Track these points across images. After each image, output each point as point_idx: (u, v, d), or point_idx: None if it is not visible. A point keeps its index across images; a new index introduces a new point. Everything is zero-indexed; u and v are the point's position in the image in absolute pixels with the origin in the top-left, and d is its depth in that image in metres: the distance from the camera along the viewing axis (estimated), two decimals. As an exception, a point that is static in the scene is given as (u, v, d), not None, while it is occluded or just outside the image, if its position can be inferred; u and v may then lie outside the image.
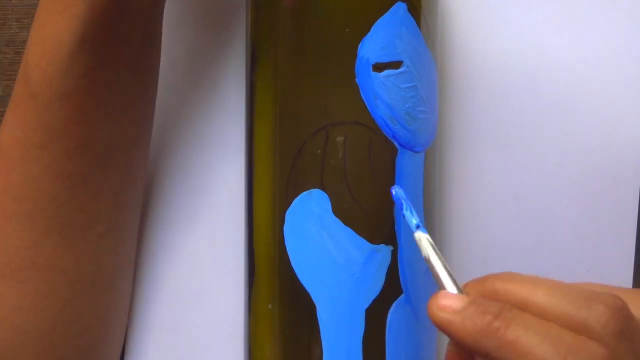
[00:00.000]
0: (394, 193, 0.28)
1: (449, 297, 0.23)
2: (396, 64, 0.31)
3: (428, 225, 0.33)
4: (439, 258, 0.24)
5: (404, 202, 0.27)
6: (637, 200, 0.40)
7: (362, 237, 0.30)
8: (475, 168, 0.39)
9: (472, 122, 0.39)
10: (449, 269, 0.24)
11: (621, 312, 0.21)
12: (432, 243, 0.25)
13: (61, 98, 0.29)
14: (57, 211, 0.31)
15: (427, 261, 0.24)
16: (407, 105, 0.31)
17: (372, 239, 0.31)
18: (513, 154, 0.40)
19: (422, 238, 0.25)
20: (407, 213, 0.27)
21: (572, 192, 0.40)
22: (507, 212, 0.40)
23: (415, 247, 0.32)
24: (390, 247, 0.31)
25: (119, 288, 0.36)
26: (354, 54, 0.30)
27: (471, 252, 0.39)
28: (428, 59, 0.33)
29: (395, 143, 0.31)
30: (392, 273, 0.31)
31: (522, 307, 0.22)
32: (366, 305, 0.31)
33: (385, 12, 0.30)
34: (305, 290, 0.31)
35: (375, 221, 0.31)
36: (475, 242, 0.39)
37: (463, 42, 0.39)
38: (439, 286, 0.24)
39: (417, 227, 0.26)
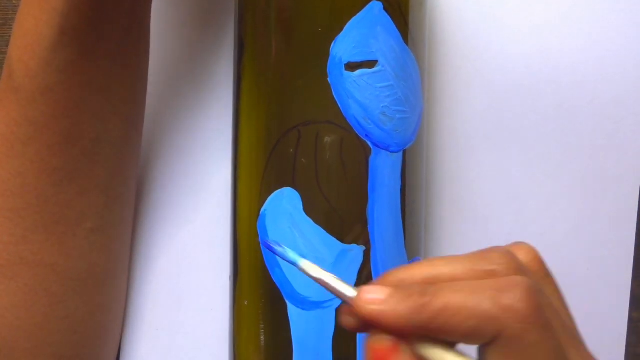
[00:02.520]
0: (264, 245, 0.28)
1: (372, 291, 0.22)
2: (370, 64, 0.31)
3: (413, 224, 0.33)
4: (330, 274, 0.24)
5: (275, 246, 0.26)
6: (637, 200, 0.39)
7: (334, 236, 0.30)
8: (475, 168, 0.39)
9: (471, 121, 0.39)
10: (343, 280, 0.24)
11: (510, 254, 0.23)
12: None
13: (43, 92, 0.29)
14: (44, 207, 0.31)
15: (319, 281, 0.24)
16: (382, 105, 0.31)
17: (344, 238, 0.31)
18: (512, 154, 0.39)
19: (307, 263, 0.25)
20: (286, 250, 0.26)
21: (571, 192, 0.39)
22: (506, 212, 0.39)
23: (390, 247, 0.32)
24: (363, 247, 0.31)
25: (112, 285, 0.36)
26: (326, 54, 0.30)
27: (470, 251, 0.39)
28: (408, 58, 0.32)
29: (369, 143, 0.31)
30: (365, 273, 0.31)
31: (432, 282, 0.23)
32: (337, 304, 0.31)
33: (359, 11, 0.30)
34: (278, 288, 0.31)
35: (347, 221, 0.31)
36: (474, 241, 0.39)
37: (453, 41, 0.38)
38: (340, 297, 0.24)
39: (301, 257, 0.25)
